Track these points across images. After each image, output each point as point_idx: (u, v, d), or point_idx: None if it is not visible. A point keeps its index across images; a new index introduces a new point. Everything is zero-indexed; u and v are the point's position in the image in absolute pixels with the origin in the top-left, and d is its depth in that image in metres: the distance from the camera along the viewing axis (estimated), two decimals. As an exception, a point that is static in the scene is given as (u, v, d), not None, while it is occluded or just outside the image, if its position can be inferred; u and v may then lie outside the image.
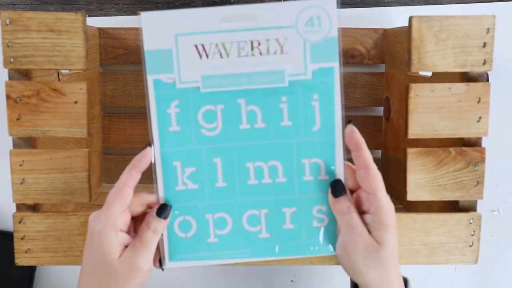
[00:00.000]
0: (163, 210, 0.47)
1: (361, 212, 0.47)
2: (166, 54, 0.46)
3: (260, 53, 0.46)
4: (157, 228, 0.47)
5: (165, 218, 0.47)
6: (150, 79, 0.46)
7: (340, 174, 0.48)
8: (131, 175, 0.47)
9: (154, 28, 0.45)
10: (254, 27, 0.45)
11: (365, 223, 0.47)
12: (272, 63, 0.46)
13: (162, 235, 0.48)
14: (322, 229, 0.49)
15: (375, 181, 0.46)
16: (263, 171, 0.48)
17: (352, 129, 0.46)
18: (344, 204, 0.47)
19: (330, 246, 0.50)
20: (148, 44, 0.46)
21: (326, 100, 0.47)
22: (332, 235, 0.49)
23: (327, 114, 0.47)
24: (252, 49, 0.46)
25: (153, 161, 0.47)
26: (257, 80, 0.46)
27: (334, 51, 0.46)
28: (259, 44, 0.46)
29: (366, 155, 0.46)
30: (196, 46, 0.45)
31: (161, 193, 0.48)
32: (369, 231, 0.47)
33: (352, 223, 0.46)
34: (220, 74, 0.46)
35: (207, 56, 0.46)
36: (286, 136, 0.47)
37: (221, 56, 0.46)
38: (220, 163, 0.48)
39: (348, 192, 0.47)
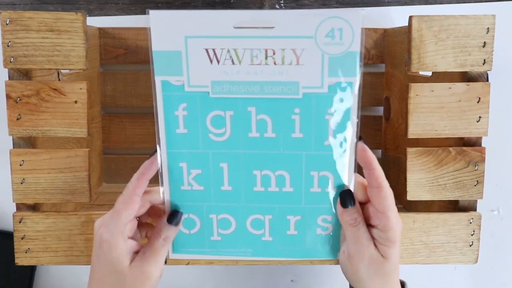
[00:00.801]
0: (174, 216, 0.47)
1: (368, 225, 0.47)
2: (175, 56, 0.44)
3: (275, 63, 0.44)
4: (168, 236, 0.47)
5: (176, 224, 0.47)
6: (158, 80, 0.45)
7: (350, 187, 0.47)
8: (139, 183, 0.46)
9: (163, 28, 0.43)
10: (269, 35, 0.43)
11: (372, 236, 0.46)
12: (287, 74, 0.44)
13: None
14: (326, 237, 0.49)
15: (386, 200, 0.45)
16: (270, 179, 0.47)
17: (364, 147, 0.45)
18: (353, 215, 0.46)
19: (333, 252, 0.49)
20: (157, 45, 0.44)
21: (340, 115, 0.45)
22: (336, 242, 0.49)
23: (340, 129, 0.45)
24: (266, 58, 0.43)
25: (159, 160, 0.47)
26: (269, 90, 0.44)
27: (354, 66, 0.44)
28: (274, 53, 0.43)
29: (378, 174, 0.45)
30: (206, 50, 0.44)
31: (167, 196, 0.48)
32: (374, 244, 0.46)
33: (359, 236, 0.46)
34: (231, 81, 0.44)
35: (218, 61, 0.44)
36: (296, 148, 0.46)
37: (233, 62, 0.44)
38: (227, 168, 0.47)
39: (357, 204, 0.47)
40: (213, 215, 0.48)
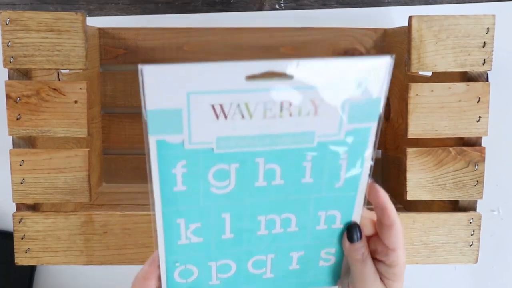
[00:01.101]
0: None
1: (374, 258, 0.46)
2: (174, 114, 0.37)
3: (290, 115, 0.38)
4: None
5: None
6: (152, 140, 0.38)
7: (357, 221, 0.45)
8: (151, 269, 0.44)
9: (160, 85, 0.36)
10: (287, 87, 0.37)
11: (378, 270, 0.45)
12: (302, 125, 0.39)
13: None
14: (328, 267, 0.47)
15: (398, 237, 0.44)
16: (275, 223, 0.43)
17: (376, 188, 0.44)
18: (360, 251, 0.45)
19: (333, 280, 0.48)
20: (152, 103, 0.37)
21: (355, 159, 0.41)
22: (337, 271, 0.47)
23: (354, 172, 0.42)
24: (281, 110, 0.38)
25: (153, 217, 0.41)
26: (282, 141, 0.39)
27: (376, 111, 0.39)
28: (290, 105, 0.38)
29: (390, 212, 0.44)
30: (213, 106, 0.37)
31: (163, 254, 0.43)
32: (380, 278, 0.46)
33: (366, 271, 0.45)
34: (239, 136, 0.38)
35: (225, 117, 0.37)
36: (306, 193, 0.42)
37: (243, 117, 0.37)
38: (229, 218, 0.42)
39: (364, 238, 0.45)
40: (212, 263, 0.44)
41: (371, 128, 0.40)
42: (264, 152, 0.40)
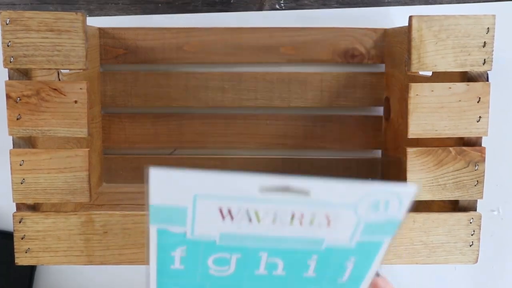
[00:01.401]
0: None
1: None
2: (178, 210, 0.36)
3: (301, 224, 0.37)
4: None
5: None
6: (153, 228, 0.37)
7: None
8: None
9: (166, 187, 0.35)
10: (302, 201, 0.36)
11: None
12: (312, 233, 0.38)
13: None
14: None
15: None
16: None
17: (379, 285, 0.43)
18: None
19: None
20: (155, 200, 0.36)
21: (362, 263, 0.40)
22: None
23: (359, 272, 0.41)
24: (292, 219, 0.37)
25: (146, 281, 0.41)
26: (288, 242, 0.38)
27: (391, 229, 0.38)
28: (302, 216, 0.37)
29: None
30: (220, 209, 0.36)
31: None
32: None
33: None
34: (244, 234, 0.37)
35: (231, 218, 0.36)
36: (307, 284, 0.41)
37: (250, 221, 0.37)
38: None
39: None
40: None
41: (383, 242, 0.39)
42: (269, 248, 0.39)
